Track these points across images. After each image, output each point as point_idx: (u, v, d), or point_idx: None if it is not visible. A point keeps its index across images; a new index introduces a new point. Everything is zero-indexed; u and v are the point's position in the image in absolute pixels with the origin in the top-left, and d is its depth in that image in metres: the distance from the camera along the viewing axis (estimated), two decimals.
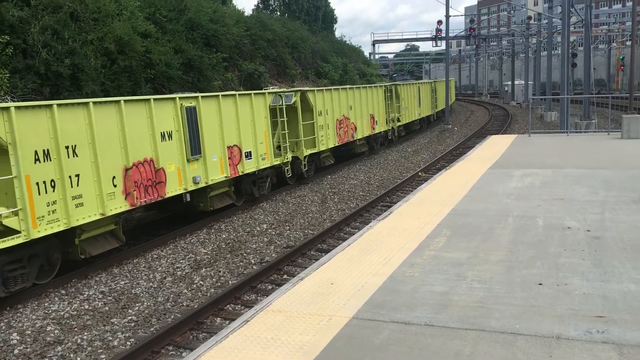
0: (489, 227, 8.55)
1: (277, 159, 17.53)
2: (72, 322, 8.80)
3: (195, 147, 13.64)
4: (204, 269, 11.08)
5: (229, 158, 15.00)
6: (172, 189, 12.93)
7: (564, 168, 13.54)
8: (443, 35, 43.44)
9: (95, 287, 10.31)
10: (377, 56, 76.19)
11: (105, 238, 11.51)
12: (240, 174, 15.57)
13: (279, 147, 17.85)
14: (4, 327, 8.65)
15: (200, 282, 10.41)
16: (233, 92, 15.85)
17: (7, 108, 9.33)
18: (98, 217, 10.90)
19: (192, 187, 13.51)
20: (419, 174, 20.24)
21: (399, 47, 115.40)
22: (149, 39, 21.36)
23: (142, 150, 12.05)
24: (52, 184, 10.01)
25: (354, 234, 9.79)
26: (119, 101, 11.52)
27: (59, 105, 10.14)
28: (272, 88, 19.95)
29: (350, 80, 40.78)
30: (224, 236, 13.44)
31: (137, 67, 19.73)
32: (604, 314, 5.37)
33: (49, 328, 8.58)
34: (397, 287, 6.17)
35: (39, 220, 9.71)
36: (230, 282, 10.37)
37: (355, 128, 24.22)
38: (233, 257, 11.78)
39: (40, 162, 9.80)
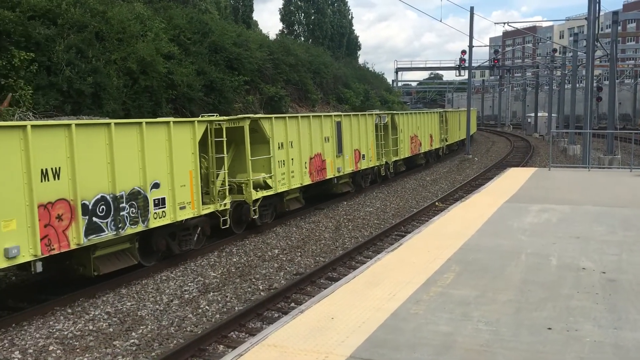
0: (500, 264, 8.32)
1: (379, 161, 24.14)
2: (75, 343, 8.73)
3: (339, 148, 20.22)
4: (211, 293, 10.97)
5: (354, 157, 21.55)
6: (329, 174, 19.55)
7: (582, 205, 13.24)
8: (467, 65, 43.38)
9: (101, 307, 10.26)
10: (400, 83, 76.38)
11: (295, 201, 17.89)
12: (358, 169, 22.08)
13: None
14: (7, 345, 8.62)
15: (207, 306, 10.29)
16: (358, 113, 23.12)
17: (270, 118, 16.27)
18: (299, 185, 17.52)
19: (337, 175, 20.15)
20: (436, 204, 19.99)
21: (423, 75, 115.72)
22: (172, 61, 21.65)
23: (316, 147, 18.64)
24: (283, 162, 16.65)
25: (365, 263, 9.63)
26: (309, 116, 18.55)
27: (289, 117, 17.30)
28: (374, 111, 25.86)
29: (372, 106, 40.83)
30: (235, 260, 13.35)
31: (158, 88, 19.96)
32: None
33: (51, 348, 8.52)
34: (400, 324, 5.99)
35: (279, 182, 16.40)
36: (236, 308, 10.23)
37: (421, 144, 30.25)
38: (242, 282, 11.67)
39: (280, 149, 16.47)
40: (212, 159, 13.96)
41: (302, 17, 56.68)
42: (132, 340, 8.80)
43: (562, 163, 28.90)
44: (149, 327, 9.34)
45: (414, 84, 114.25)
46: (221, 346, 8.64)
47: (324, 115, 19.59)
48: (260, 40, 32.12)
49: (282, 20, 58.01)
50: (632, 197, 14.30)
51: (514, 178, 18.37)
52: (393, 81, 68.10)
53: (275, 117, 16.42)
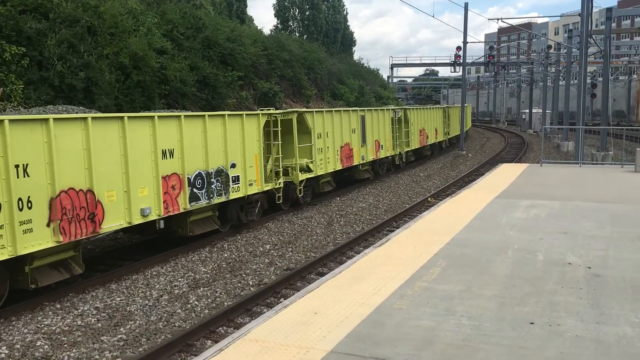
0: (487, 259, 8.36)
1: (394, 151, 26.75)
2: (63, 338, 8.73)
3: (363, 138, 22.86)
4: (201, 289, 10.98)
5: (375, 147, 24.20)
6: (355, 161, 22.29)
7: (572, 200, 13.29)
8: (462, 61, 43.35)
9: (90, 302, 10.25)
10: (395, 80, 76.30)
11: (328, 184, 20.75)
12: (377, 158, 24.72)
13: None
14: None
15: (196, 302, 10.30)
16: (377, 108, 26.24)
17: (312, 112, 19.13)
18: (332, 170, 20.37)
19: (360, 162, 22.76)
20: (429, 199, 20.04)
21: (419, 71, 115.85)
22: (164, 56, 21.57)
23: (346, 137, 21.35)
24: (321, 150, 19.29)
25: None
26: (340, 111, 21.62)
27: (326, 111, 20.34)
28: (390, 107, 28.79)
29: (366, 102, 40.84)
30: (226, 255, 13.36)
31: (151, 83, 19.90)
32: (595, 359, 5.16)
33: (39, 343, 8.52)
34: (382, 319, 6.01)
35: (318, 166, 19.03)
36: (225, 303, 10.24)
37: (428, 137, 33.41)
38: (232, 278, 11.68)
39: (318, 138, 19.08)
40: (271, 145, 16.77)
41: (296, 13, 56.58)
42: (120, 336, 8.81)
43: (556, 159, 28.98)
44: (138, 322, 9.35)
45: (409, 80, 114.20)
46: (209, 341, 8.65)
47: (352, 110, 22.68)
48: (254, 36, 32.03)
49: (277, 15, 57.89)
50: (621, 193, 14.37)
51: (506, 174, 18.42)
52: (388, 77, 68.03)
53: (316, 111, 19.40)
